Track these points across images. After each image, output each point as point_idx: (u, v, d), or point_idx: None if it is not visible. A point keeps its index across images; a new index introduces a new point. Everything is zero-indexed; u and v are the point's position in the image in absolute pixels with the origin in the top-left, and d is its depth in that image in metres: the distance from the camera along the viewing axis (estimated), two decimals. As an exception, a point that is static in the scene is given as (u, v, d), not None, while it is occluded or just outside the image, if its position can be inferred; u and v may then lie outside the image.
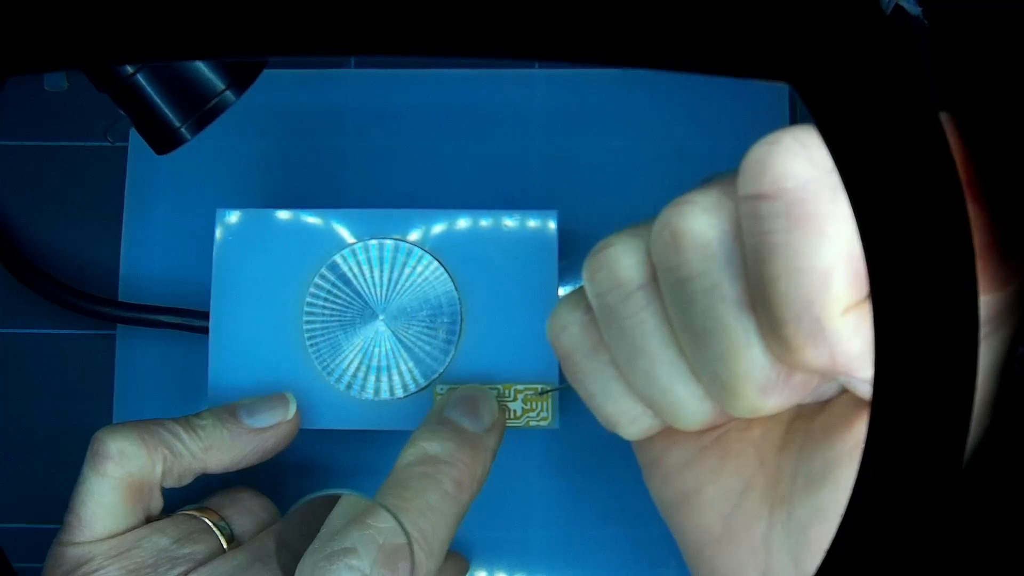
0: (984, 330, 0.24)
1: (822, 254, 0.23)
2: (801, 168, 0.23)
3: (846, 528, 0.21)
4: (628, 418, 0.30)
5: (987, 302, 0.24)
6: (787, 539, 0.27)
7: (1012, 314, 0.25)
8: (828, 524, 0.26)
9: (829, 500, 0.26)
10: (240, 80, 0.35)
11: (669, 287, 0.27)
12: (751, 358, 0.26)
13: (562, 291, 0.44)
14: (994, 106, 0.26)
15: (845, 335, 0.24)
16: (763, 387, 0.26)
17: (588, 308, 0.30)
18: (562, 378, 0.41)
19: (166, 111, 0.34)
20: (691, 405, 0.28)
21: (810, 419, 0.29)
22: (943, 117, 0.24)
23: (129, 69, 0.34)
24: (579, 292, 0.31)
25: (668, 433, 0.31)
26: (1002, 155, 0.24)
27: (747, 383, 0.26)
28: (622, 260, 0.28)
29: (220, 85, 0.34)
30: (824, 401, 0.29)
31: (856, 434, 0.27)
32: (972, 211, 0.23)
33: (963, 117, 0.24)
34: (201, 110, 0.34)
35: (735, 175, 0.25)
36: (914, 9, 0.39)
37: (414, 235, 0.42)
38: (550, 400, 0.40)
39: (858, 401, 0.27)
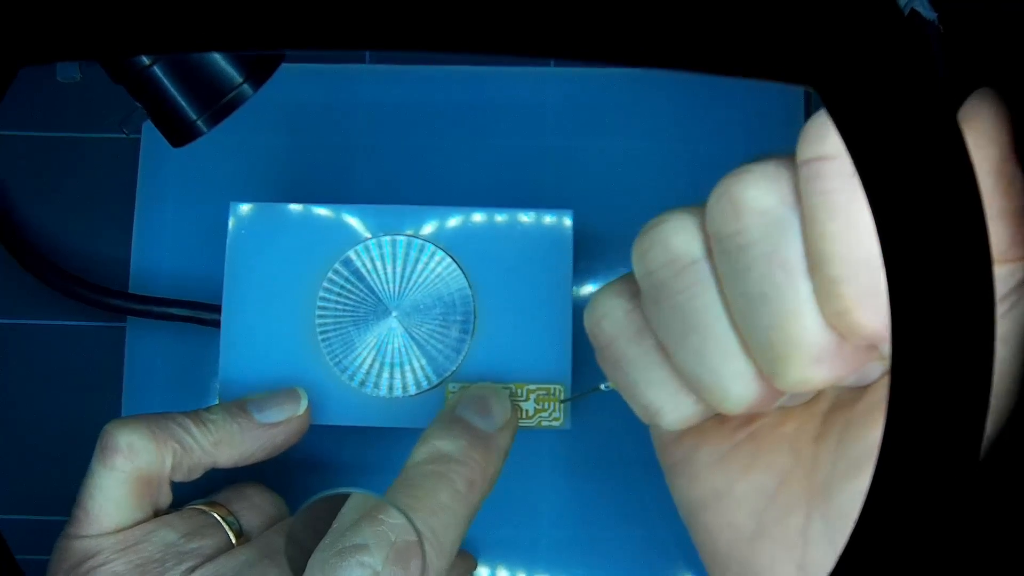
0: (1011, 299, 0.25)
1: None
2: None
3: (868, 510, 0.21)
4: (670, 405, 0.30)
5: (1013, 270, 0.24)
6: (827, 528, 0.27)
7: None
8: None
9: None
10: (258, 74, 0.35)
11: (726, 255, 0.27)
12: (806, 324, 0.26)
13: (576, 291, 0.44)
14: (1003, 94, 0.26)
15: None
16: (815, 355, 0.26)
17: (630, 294, 0.30)
18: (575, 383, 0.40)
19: (183, 104, 0.34)
20: (739, 384, 0.28)
21: (849, 407, 0.29)
22: (986, 89, 0.24)
23: (146, 61, 0.34)
24: (618, 280, 0.31)
25: (698, 431, 0.31)
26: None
27: (800, 350, 0.26)
28: (677, 235, 0.28)
29: (238, 78, 0.34)
30: (862, 388, 0.29)
31: None
32: (1012, 173, 0.24)
33: (1005, 91, 0.25)
34: (218, 103, 0.34)
35: (790, 153, 0.26)
36: (929, 14, 0.38)
37: (428, 231, 0.42)
38: (562, 401, 0.40)
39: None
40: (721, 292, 0.28)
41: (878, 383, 0.29)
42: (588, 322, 0.32)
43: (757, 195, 0.26)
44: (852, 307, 0.24)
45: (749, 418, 0.31)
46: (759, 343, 0.27)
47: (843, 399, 0.29)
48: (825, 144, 0.24)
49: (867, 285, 0.24)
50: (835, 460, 0.28)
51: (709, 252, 0.28)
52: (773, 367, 0.27)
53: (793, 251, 0.26)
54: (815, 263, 0.25)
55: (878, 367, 0.29)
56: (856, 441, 0.27)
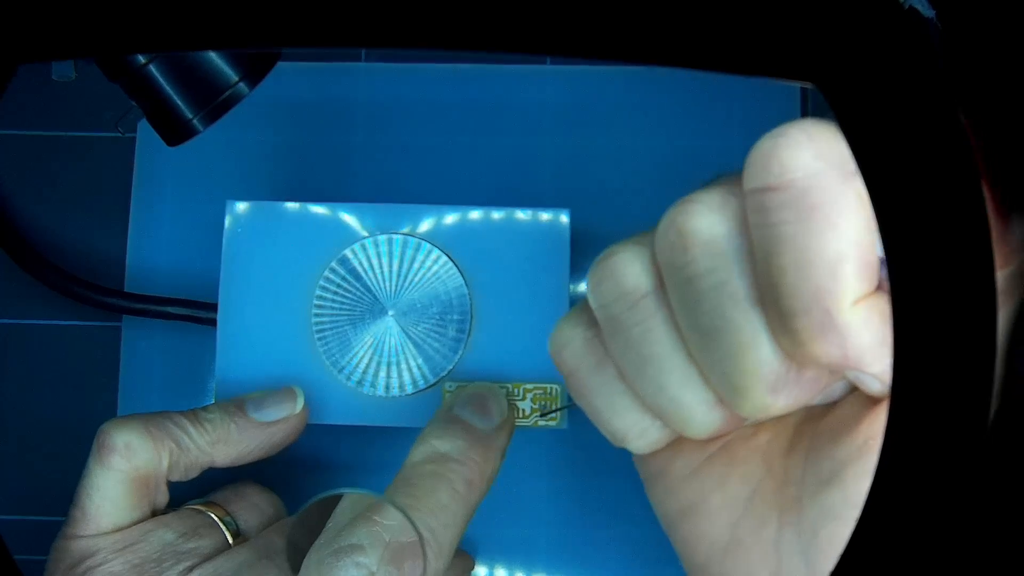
0: None
1: (832, 244, 0.23)
2: (808, 159, 0.23)
3: (866, 518, 0.21)
4: (636, 431, 0.30)
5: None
6: (798, 542, 0.27)
7: (1012, 294, 0.25)
8: (839, 524, 0.26)
9: (839, 500, 0.26)
10: (253, 72, 0.35)
11: (676, 287, 0.27)
12: (760, 355, 0.26)
13: (573, 290, 0.44)
14: (996, 92, 0.26)
15: (855, 327, 0.24)
16: (773, 385, 0.26)
17: (590, 323, 0.30)
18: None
19: (179, 102, 0.34)
20: (701, 412, 0.28)
21: (817, 421, 0.29)
22: None
23: (142, 59, 0.34)
24: (580, 308, 0.31)
25: (672, 444, 0.31)
26: (1005, 136, 0.24)
27: (757, 381, 0.26)
28: (627, 268, 0.28)
29: (234, 77, 0.34)
30: (831, 403, 0.29)
31: (864, 432, 0.26)
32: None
33: (968, 104, 0.25)
34: (214, 102, 0.34)
35: (739, 175, 0.25)
36: (928, 12, 0.38)
37: (425, 230, 0.42)
38: (559, 400, 0.40)
39: (866, 400, 0.27)
40: (675, 323, 0.28)
41: (843, 399, 0.29)
42: (551, 351, 0.32)
43: (704, 226, 0.26)
44: (808, 340, 0.24)
45: None
46: (715, 374, 0.27)
47: (813, 412, 0.29)
48: (770, 173, 0.24)
49: (821, 317, 0.24)
50: (804, 475, 0.28)
51: (661, 283, 0.28)
52: (731, 397, 0.27)
53: (743, 282, 0.26)
54: (767, 296, 0.25)
55: (843, 385, 0.29)
56: (823, 457, 0.27)
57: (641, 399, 0.29)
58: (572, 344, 0.31)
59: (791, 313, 0.24)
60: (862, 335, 0.24)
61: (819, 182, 0.23)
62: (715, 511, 0.29)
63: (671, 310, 0.28)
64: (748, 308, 0.25)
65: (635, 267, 0.28)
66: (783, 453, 0.29)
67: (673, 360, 0.28)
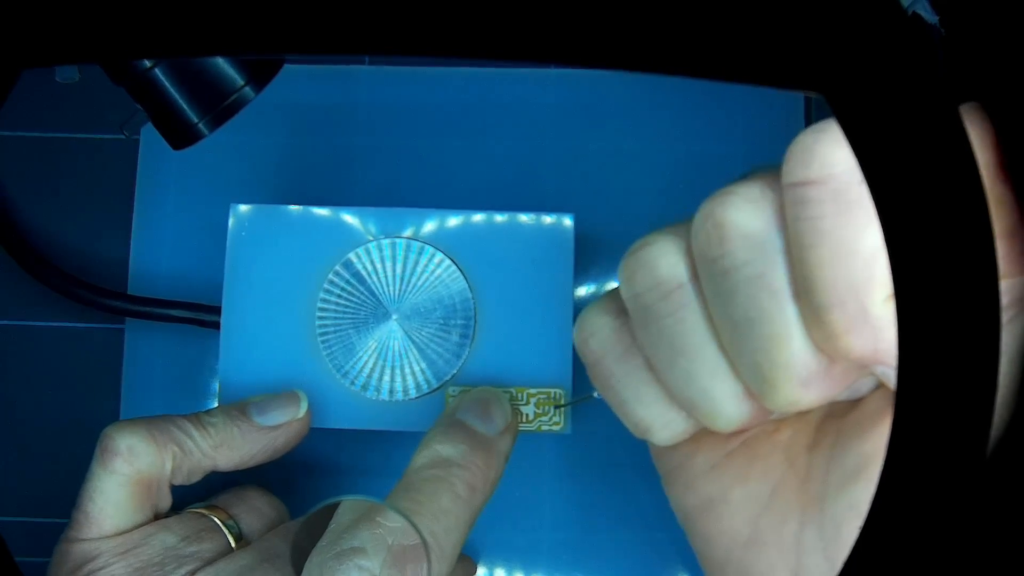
0: (1009, 313, 0.25)
1: (868, 239, 0.23)
2: (849, 155, 0.24)
3: (872, 520, 0.21)
4: (660, 423, 0.30)
5: (1014, 284, 0.24)
6: (820, 538, 0.27)
7: None
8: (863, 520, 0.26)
9: (863, 496, 0.26)
10: (259, 76, 0.35)
11: (711, 279, 0.27)
12: (793, 348, 0.26)
13: (577, 294, 0.44)
14: (999, 94, 0.26)
15: (888, 322, 0.24)
16: (804, 379, 0.26)
17: (618, 312, 0.30)
18: (576, 387, 0.40)
19: (184, 106, 0.34)
20: (729, 404, 0.28)
21: (842, 417, 0.29)
22: (972, 105, 0.24)
23: (147, 63, 0.33)
24: (607, 297, 0.31)
25: (693, 439, 0.31)
26: (1009, 140, 0.24)
27: (788, 374, 0.26)
28: (662, 258, 0.28)
29: (239, 81, 0.34)
30: (855, 400, 0.29)
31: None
32: (1002, 193, 0.24)
33: (991, 104, 0.24)
34: (219, 106, 0.34)
35: (776, 168, 0.26)
36: (931, 18, 0.38)
37: (429, 233, 0.42)
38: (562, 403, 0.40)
39: (892, 396, 0.27)
40: (708, 314, 0.28)
41: (869, 395, 0.29)
42: (576, 340, 0.32)
43: (741, 218, 0.26)
44: (840, 333, 0.24)
45: None
46: (746, 366, 0.27)
47: (836, 409, 0.29)
48: (811, 167, 0.24)
49: (855, 311, 0.24)
50: (827, 471, 0.28)
51: (695, 274, 0.28)
52: (761, 389, 0.27)
53: (779, 275, 0.26)
54: (802, 289, 0.25)
55: (868, 381, 0.29)
56: (847, 453, 0.27)
57: (668, 390, 0.29)
58: (600, 333, 0.31)
59: (825, 306, 0.24)
60: (893, 330, 0.24)
61: (858, 177, 0.23)
62: (735, 507, 0.30)
63: (704, 301, 0.28)
64: (783, 301, 0.26)
65: (670, 257, 0.28)
66: (805, 449, 0.29)
67: (704, 351, 0.28)
